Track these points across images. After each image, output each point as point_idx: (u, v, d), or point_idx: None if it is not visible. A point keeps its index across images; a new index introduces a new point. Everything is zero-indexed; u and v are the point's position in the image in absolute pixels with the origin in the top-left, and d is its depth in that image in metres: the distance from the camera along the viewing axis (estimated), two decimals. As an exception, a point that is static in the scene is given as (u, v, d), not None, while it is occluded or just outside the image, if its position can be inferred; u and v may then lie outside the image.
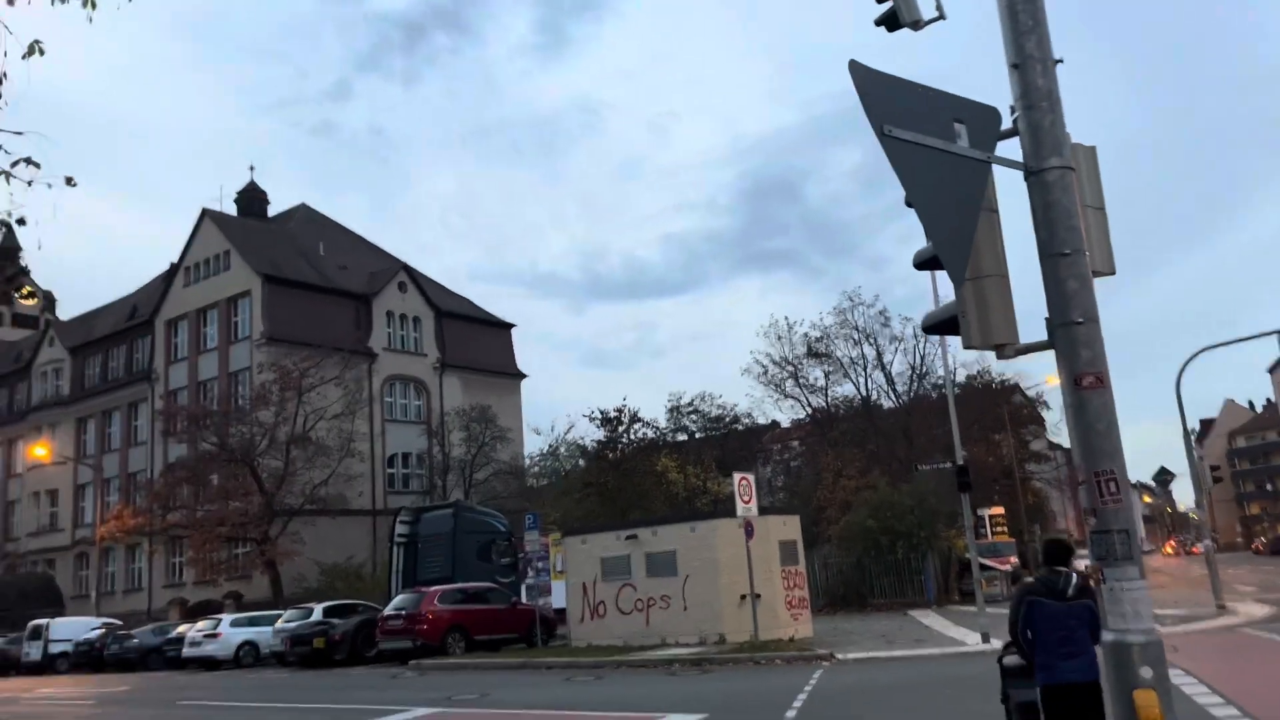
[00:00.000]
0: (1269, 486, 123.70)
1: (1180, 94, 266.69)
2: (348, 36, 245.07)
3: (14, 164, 6.22)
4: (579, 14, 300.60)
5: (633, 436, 37.35)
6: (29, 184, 6.31)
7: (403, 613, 22.59)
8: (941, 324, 5.81)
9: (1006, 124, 5.68)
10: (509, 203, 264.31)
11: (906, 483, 32.90)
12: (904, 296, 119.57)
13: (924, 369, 44.78)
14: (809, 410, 46.58)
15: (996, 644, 11.94)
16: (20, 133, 6.29)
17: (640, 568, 21.65)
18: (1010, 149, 5.64)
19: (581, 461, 42.16)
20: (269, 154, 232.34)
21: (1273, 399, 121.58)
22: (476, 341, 53.10)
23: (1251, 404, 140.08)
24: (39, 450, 46.59)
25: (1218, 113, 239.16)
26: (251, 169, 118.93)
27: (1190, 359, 23.04)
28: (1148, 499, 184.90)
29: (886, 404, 45.82)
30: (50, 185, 6.38)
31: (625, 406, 37.58)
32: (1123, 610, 5.16)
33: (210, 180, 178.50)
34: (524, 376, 55.36)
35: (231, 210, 53.49)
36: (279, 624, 26.15)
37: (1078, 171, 5.59)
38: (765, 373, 45.93)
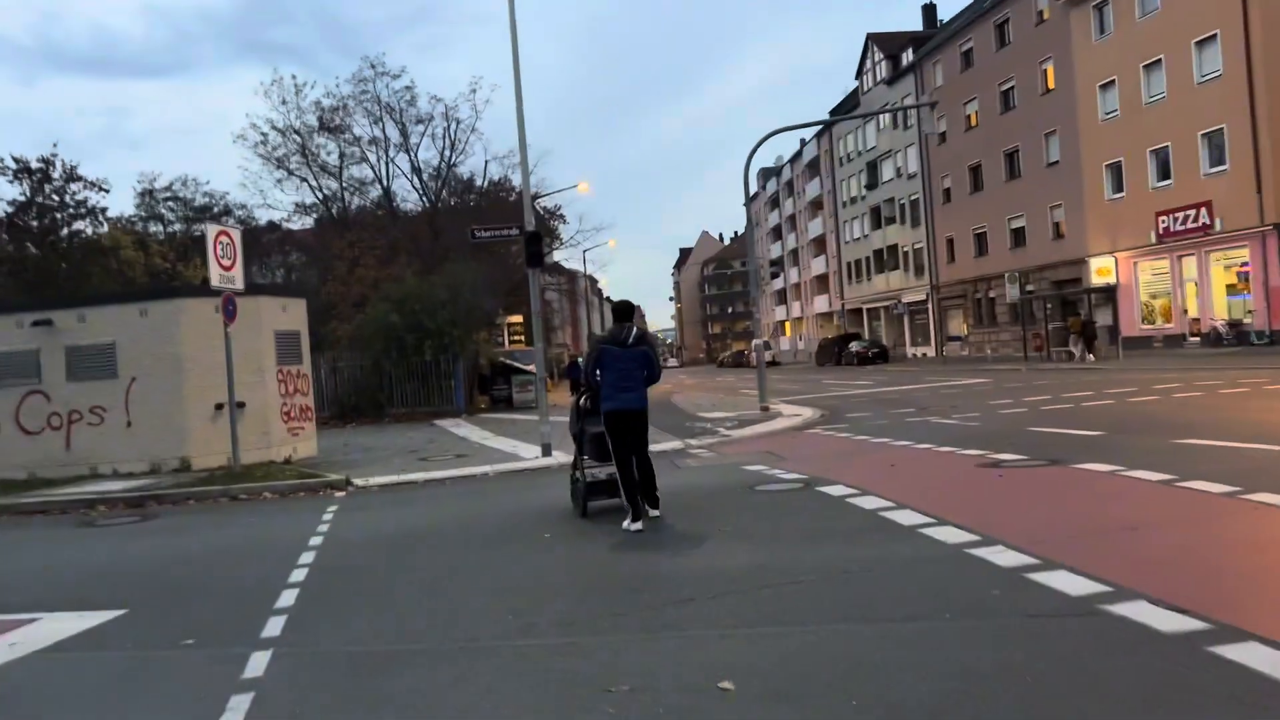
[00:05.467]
0: (730, 309, 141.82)
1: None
2: None
3: None
4: None
5: (71, 200, 27.49)
6: None
7: None
8: None
9: None
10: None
11: (437, 274, 28.22)
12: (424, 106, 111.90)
13: (454, 159, 40.16)
14: (320, 195, 39.77)
15: (562, 458, 12.44)
16: None
17: (57, 368, 14.69)
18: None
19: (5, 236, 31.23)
20: None
21: (740, 231, 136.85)
22: None
23: (721, 236, 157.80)
24: None
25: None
26: None
27: (763, 140, 20.86)
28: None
29: (410, 204, 40.76)
30: None
31: (56, 155, 27.49)
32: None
33: None
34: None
35: None
36: None
37: None
38: (265, 141, 38.10)
